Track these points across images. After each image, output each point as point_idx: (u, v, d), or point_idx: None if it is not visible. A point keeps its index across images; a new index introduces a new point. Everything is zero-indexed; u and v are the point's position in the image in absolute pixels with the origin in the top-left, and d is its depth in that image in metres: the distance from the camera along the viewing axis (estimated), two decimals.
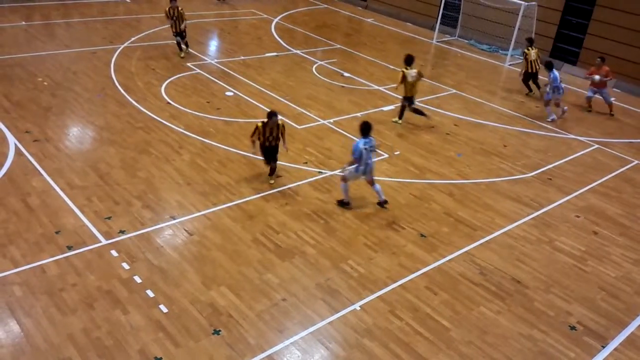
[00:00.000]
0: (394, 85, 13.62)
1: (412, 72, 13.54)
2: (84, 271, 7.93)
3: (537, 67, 16.73)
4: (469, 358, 7.29)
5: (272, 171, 10.79)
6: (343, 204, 10.23)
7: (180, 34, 16.72)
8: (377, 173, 11.47)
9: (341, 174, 10.30)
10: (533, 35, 20.11)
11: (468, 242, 9.65)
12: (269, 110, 10.53)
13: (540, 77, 16.92)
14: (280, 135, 10.50)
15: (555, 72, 14.93)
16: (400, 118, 14.13)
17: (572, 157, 13.42)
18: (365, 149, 9.81)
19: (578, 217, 10.89)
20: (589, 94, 16.52)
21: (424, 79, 15.38)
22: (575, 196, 11.62)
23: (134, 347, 6.82)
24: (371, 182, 10.20)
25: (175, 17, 16.49)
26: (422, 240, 9.58)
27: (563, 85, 15.25)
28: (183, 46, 16.97)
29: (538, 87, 17.14)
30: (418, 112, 13.98)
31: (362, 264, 8.78)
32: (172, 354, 6.79)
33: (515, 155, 13.14)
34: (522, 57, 17.06)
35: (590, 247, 9.98)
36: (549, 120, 15.37)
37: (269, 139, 10.38)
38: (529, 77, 17.00)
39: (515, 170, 12.42)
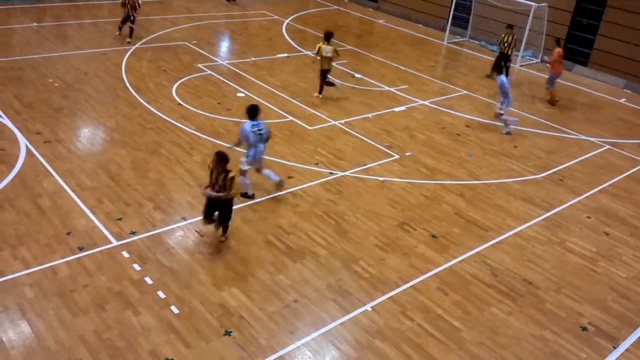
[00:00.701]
0: (314, 57, 14.75)
1: (327, 48, 14.29)
2: (95, 272, 7.97)
3: (510, 51, 17.50)
4: (480, 359, 7.26)
5: (224, 230, 8.92)
6: (247, 196, 10.07)
7: (128, 20, 17.49)
8: (388, 174, 11.49)
9: (241, 167, 9.94)
10: (544, 38, 20.11)
11: (479, 243, 9.62)
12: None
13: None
14: (227, 188, 8.35)
15: (503, 78, 13.75)
16: (320, 93, 14.99)
17: (582, 157, 13.33)
18: (253, 132, 9.63)
19: (589, 217, 10.82)
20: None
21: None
22: (586, 197, 11.55)
23: (145, 348, 6.84)
24: (259, 170, 10.14)
25: (129, 6, 17.24)
26: (433, 241, 9.55)
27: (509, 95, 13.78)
28: (131, 27, 17.64)
29: (507, 71, 17.43)
30: (329, 84, 14.97)
31: (373, 265, 8.76)
32: (184, 355, 6.80)
33: (526, 156, 13.07)
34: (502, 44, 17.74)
35: (601, 248, 9.91)
36: (504, 133, 14.08)
37: (215, 188, 8.39)
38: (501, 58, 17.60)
39: (526, 171, 12.36)
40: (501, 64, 17.35)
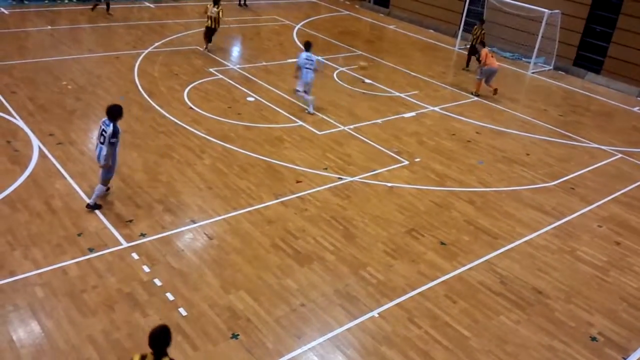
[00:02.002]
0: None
1: (213, 9, 17.38)
2: (105, 273, 8.02)
3: (476, 43, 18.47)
4: None
5: None
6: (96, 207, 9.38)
7: None
8: (397, 180, 11.48)
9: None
10: (556, 45, 20.05)
11: (488, 251, 9.57)
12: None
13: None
14: None
15: (305, 55, 13.69)
16: (207, 45, 18.03)
17: (595, 166, 13.25)
18: (100, 127, 9.06)
19: (600, 227, 10.74)
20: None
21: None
22: (598, 206, 11.46)
23: None
24: (101, 176, 9.41)
25: None
26: (442, 248, 9.51)
27: (311, 73, 13.74)
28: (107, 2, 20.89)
29: (468, 61, 19.33)
30: (210, 40, 18.03)
31: (381, 271, 8.74)
32: (191, 357, 6.82)
33: (537, 163, 13.01)
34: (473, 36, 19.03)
35: (613, 258, 9.83)
36: (308, 111, 14.01)
37: None
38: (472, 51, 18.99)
39: (537, 178, 12.29)
40: (470, 57, 19.07)
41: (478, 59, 18.09)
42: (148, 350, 5.22)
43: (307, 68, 13.71)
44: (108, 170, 9.31)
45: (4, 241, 8.42)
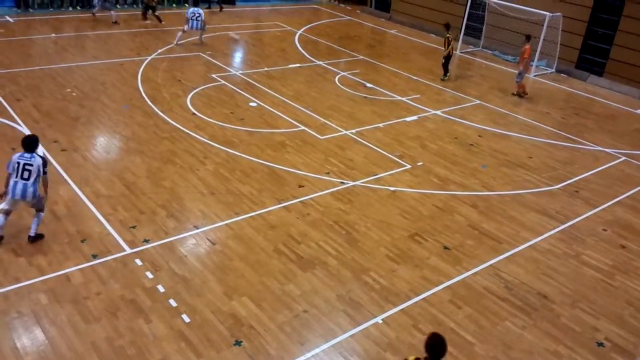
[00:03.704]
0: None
1: None
2: (108, 280, 8.01)
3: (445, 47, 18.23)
4: None
5: None
6: None
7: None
8: (399, 184, 11.45)
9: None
10: (558, 48, 20.02)
11: (493, 256, 9.53)
12: None
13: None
14: None
15: (192, 9, 18.87)
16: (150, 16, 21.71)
17: (598, 169, 13.20)
18: (19, 162, 8.32)
19: (605, 230, 10.70)
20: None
21: None
22: (603, 209, 11.42)
23: (156, 356, 6.85)
24: (36, 208, 8.66)
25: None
26: (445, 252, 9.48)
27: (196, 23, 18.63)
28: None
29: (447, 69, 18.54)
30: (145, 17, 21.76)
31: (384, 276, 8.72)
32: None
33: (540, 167, 12.98)
34: (447, 44, 18.26)
35: (618, 262, 9.78)
36: (176, 44, 18.78)
37: None
38: (449, 59, 18.38)
39: (541, 182, 12.26)
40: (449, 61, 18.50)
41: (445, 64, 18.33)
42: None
43: (192, 19, 18.65)
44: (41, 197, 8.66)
45: (8, 248, 8.43)
